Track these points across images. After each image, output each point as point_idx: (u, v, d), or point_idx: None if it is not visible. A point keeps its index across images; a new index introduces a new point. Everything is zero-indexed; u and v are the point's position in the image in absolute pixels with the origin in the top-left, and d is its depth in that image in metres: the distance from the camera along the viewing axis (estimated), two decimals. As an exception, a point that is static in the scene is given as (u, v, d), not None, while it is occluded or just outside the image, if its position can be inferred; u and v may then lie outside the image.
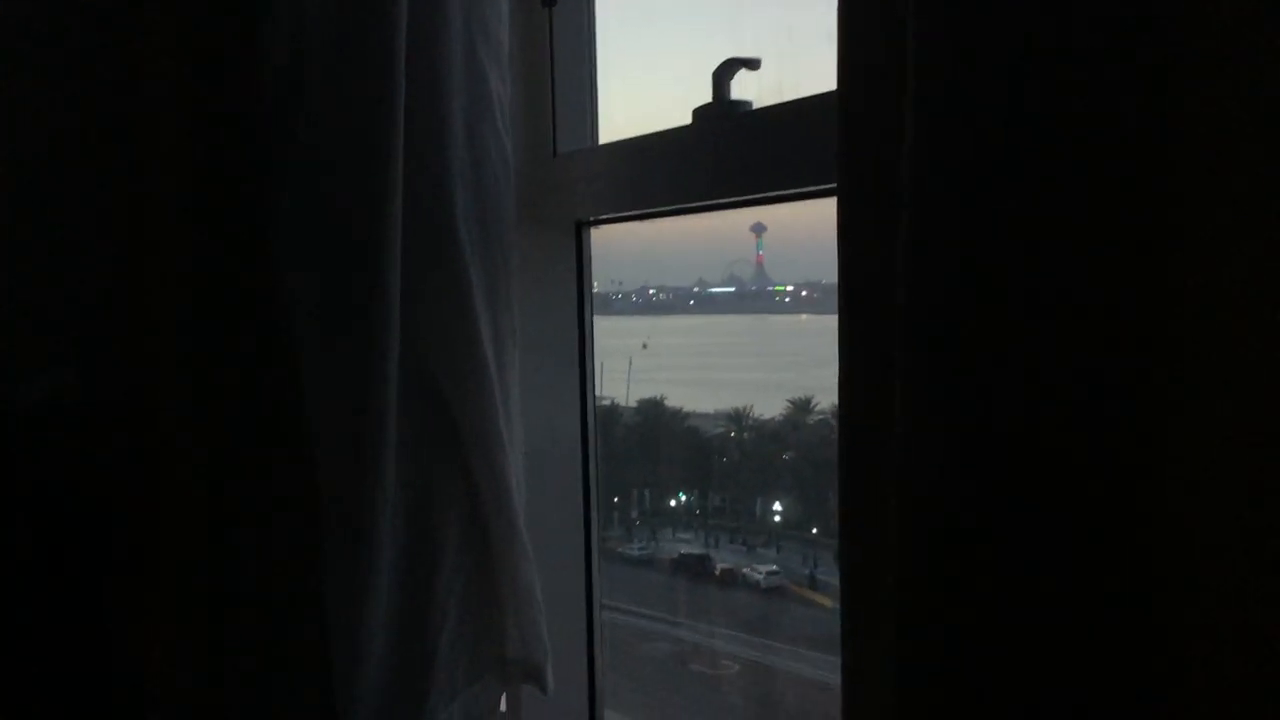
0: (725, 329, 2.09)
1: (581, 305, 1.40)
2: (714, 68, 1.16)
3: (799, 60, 1.19)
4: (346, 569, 1.10)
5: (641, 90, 1.45)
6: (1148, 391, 0.58)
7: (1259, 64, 0.53)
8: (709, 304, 2.05)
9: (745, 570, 1.88)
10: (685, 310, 2.10)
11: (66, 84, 1.24)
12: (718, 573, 1.93)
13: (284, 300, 1.13)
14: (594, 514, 1.43)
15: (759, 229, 1.77)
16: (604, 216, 1.37)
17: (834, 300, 0.75)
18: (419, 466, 1.14)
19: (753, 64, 1.16)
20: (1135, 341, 0.58)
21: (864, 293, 0.73)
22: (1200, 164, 0.56)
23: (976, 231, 0.62)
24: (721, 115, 1.14)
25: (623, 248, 1.61)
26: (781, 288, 1.91)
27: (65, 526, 1.23)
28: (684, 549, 1.97)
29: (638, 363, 2.00)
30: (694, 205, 1.24)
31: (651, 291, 2.08)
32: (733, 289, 1.97)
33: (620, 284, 2.01)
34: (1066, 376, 0.60)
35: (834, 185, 0.74)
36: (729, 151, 1.12)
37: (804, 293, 1.89)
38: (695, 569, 1.96)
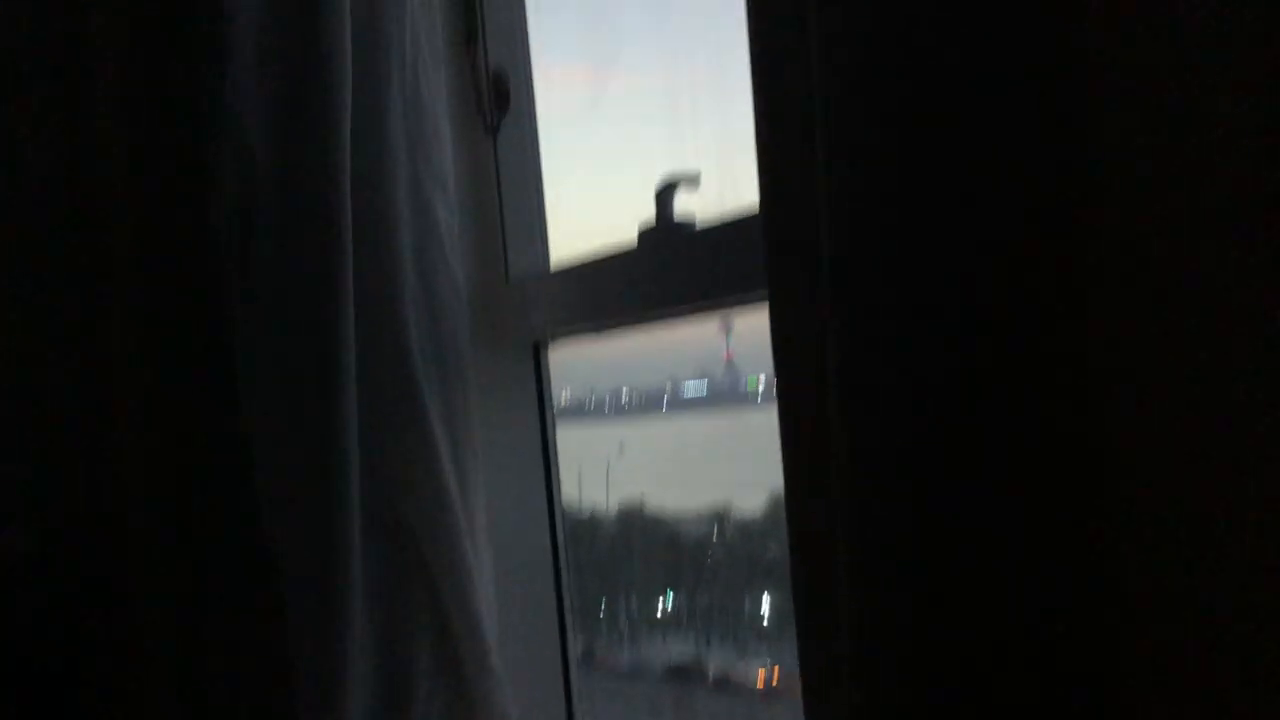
0: (700, 427, 2.08)
1: (544, 422, 1.40)
2: (658, 177, 1.18)
3: (738, 166, 1.21)
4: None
5: (590, 204, 1.48)
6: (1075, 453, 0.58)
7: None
8: (682, 404, 2.04)
9: (739, 670, 1.85)
10: (659, 412, 2.09)
11: (20, 255, 1.26)
12: (710, 677, 1.90)
13: (246, 445, 1.14)
14: (569, 627, 1.42)
15: (727, 325, 1.78)
16: (559, 335, 1.38)
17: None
18: (387, 602, 1.14)
19: (693, 180, 1.17)
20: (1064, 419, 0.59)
21: (798, 397, 0.74)
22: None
23: (896, 336, 0.64)
24: (664, 237, 1.16)
25: (593, 354, 1.61)
26: (754, 381, 1.91)
27: (33, 684, 1.21)
28: (675, 652, 1.94)
29: (616, 468, 1.99)
30: (646, 321, 1.25)
31: (625, 396, 2.08)
32: (705, 386, 1.97)
33: (593, 390, 2.01)
34: (993, 468, 0.61)
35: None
36: (674, 270, 1.14)
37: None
38: (687, 674, 1.92)
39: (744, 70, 0.81)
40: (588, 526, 1.88)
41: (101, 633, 1.22)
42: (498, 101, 1.34)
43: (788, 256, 0.74)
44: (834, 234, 0.66)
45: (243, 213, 1.13)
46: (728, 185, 1.19)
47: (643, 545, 2.02)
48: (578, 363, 1.55)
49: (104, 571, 1.20)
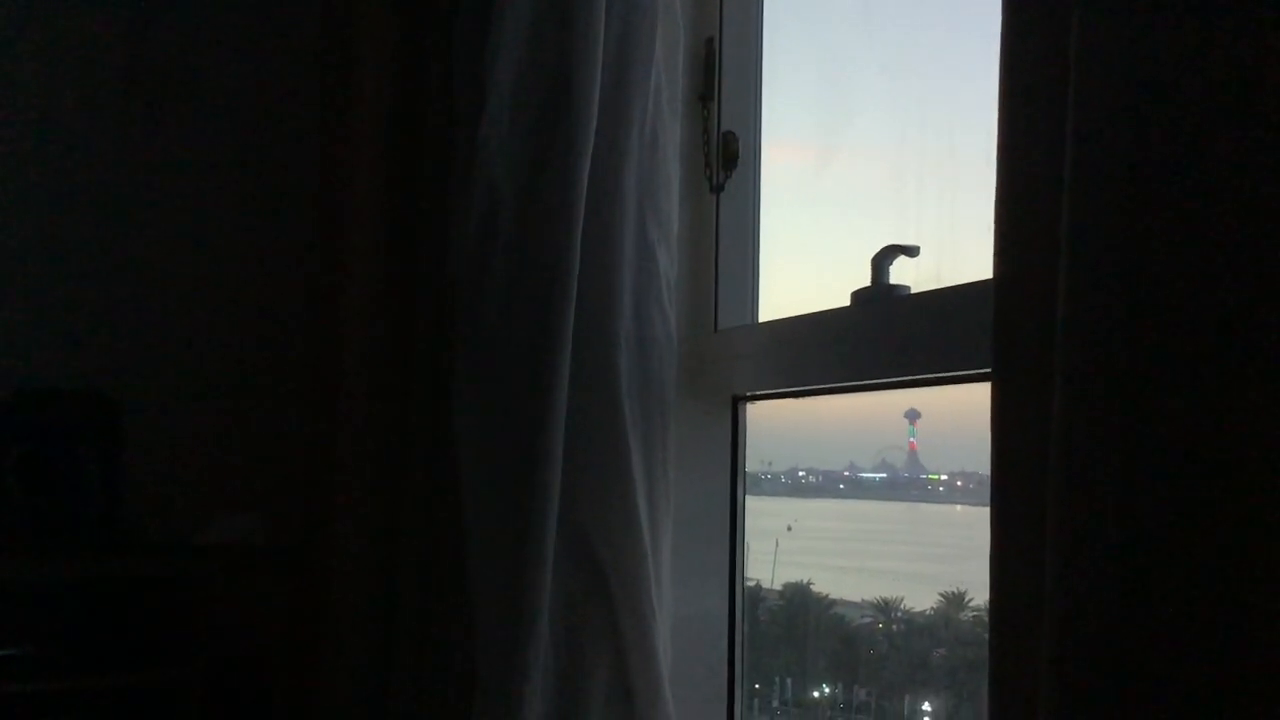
0: (875, 515, 2.05)
1: (734, 480, 1.42)
2: (876, 249, 1.19)
3: (958, 249, 1.21)
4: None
5: (802, 272, 1.50)
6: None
7: None
8: (859, 489, 2.01)
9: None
10: (835, 494, 2.07)
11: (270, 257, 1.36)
12: (862, 772, 1.84)
13: (455, 456, 1.19)
14: (738, 698, 1.41)
15: (913, 415, 1.75)
16: (760, 392, 1.40)
17: (989, 492, 0.73)
18: (568, 622, 1.16)
19: (911, 251, 1.19)
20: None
21: (1016, 483, 0.71)
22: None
23: (1131, 420, 0.61)
24: (879, 298, 1.17)
25: (774, 428, 1.62)
26: (935, 476, 1.88)
27: (232, 663, 1.28)
28: (829, 746, 1.89)
29: (784, 545, 1.98)
30: (849, 385, 1.26)
31: (801, 473, 2.07)
32: (884, 475, 1.95)
33: (770, 464, 2.01)
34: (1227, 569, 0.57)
35: (987, 370, 0.74)
36: (885, 333, 1.15)
37: (958, 482, 1.85)
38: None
39: (973, 154, 0.81)
40: (750, 599, 1.87)
41: (300, 621, 1.29)
42: (725, 162, 1.39)
43: (1017, 328, 0.72)
44: (1070, 308, 0.63)
45: (483, 236, 1.20)
46: (946, 264, 1.19)
47: (805, 628, 1.99)
48: (755, 436, 1.56)
49: (315, 565, 1.27)
